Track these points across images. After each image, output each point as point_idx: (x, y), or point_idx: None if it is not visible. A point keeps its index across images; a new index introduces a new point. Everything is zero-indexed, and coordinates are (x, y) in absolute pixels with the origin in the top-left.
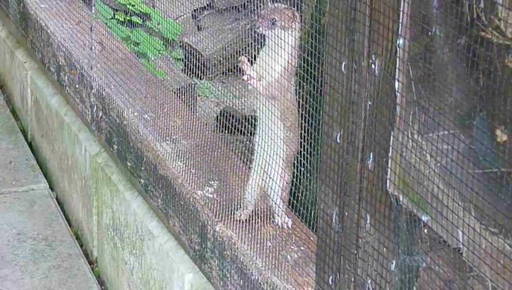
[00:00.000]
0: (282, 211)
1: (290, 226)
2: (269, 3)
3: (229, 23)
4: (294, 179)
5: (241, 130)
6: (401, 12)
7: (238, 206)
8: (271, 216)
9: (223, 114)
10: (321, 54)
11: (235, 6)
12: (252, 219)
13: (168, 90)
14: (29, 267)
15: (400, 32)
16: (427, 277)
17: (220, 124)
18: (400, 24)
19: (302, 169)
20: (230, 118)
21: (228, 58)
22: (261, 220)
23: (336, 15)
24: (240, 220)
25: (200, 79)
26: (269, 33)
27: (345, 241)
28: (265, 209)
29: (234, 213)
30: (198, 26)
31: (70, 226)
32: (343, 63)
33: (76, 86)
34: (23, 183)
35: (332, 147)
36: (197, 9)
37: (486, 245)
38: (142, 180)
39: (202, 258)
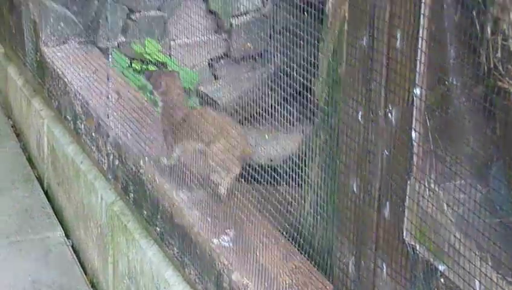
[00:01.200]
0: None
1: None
2: None
3: (245, 72)
4: (310, 227)
5: (257, 179)
6: (418, 62)
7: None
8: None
9: None
10: (338, 103)
11: (251, 56)
12: (268, 267)
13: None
14: None
15: (416, 82)
16: None
17: None
18: (417, 73)
19: (319, 217)
20: (247, 166)
21: (244, 107)
22: (277, 268)
23: (352, 64)
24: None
25: None
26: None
27: None
28: (281, 256)
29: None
30: (214, 75)
31: (86, 274)
32: (360, 112)
33: (93, 134)
34: (39, 231)
35: (348, 196)
36: (214, 59)
37: None
38: (158, 229)
39: None
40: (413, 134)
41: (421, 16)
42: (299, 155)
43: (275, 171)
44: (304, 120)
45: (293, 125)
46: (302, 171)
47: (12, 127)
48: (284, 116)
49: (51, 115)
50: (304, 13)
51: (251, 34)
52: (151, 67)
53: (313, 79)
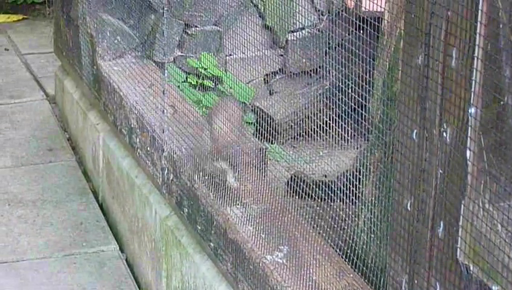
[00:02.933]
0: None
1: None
2: None
3: (300, 88)
4: (364, 245)
5: (311, 195)
6: (473, 81)
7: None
8: None
9: (294, 179)
10: (393, 121)
11: (307, 71)
12: (321, 284)
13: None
14: None
15: (471, 101)
16: None
17: (290, 189)
18: (472, 93)
19: (372, 235)
20: (301, 183)
21: (299, 123)
22: (330, 285)
23: (407, 83)
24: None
25: (271, 143)
26: None
27: None
28: (334, 273)
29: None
30: (269, 90)
31: (139, 289)
32: (415, 130)
33: (148, 148)
34: (93, 244)
35: (402, 214)
36: (269, 74)
37: None
38: (212, 244)
39: None
40: (468, 153)
41: (477, 35)
42: (353, 172)
43: (328, 188)
44: (358, 137)
45: (348, 142)
46: (356, 188)
47: (68, 140)
48: (338, 133)
49: (107, 129)
50: (359, 30)
51: (307, 50)
52: (207, 82)
53: (367, 96)
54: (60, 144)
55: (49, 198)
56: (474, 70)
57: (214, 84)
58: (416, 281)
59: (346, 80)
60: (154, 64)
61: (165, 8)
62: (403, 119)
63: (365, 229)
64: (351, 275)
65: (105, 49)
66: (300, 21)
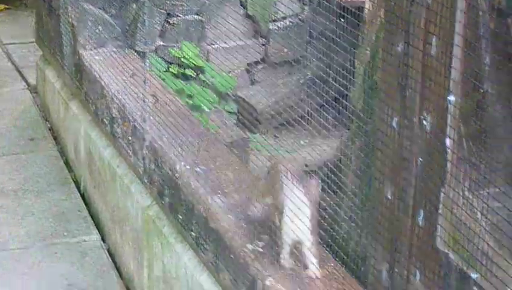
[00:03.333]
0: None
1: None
2: None
3: (282, 78)
4: (345, 234)
5: None
6: (453, 69)
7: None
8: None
9: None
10: (373, 110)
11: (288, 61)
12: (303, 273)
13: (221, 143)
14: None
15: (451, 89)
16: None
17: None
18: (452, 81)
19: (353, 224)
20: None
21: (281, 113)
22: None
23: (388, 71)
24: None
25: (253, 133)
26: None
27: None
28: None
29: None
30: (251, 80)
31: (121, 278)
32: (395, 119)
33: (129, 138)
34: (75, 234)
35: (383, 203)
36: (251, 64)
37: None
38: (193, 233)
39: None
40: (448, 141)
41: (456, 23)
42: (334, 161)
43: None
44: (339, 126)
45: (329, 131)
46: (337, 178)
47: (49, 130)
48: (320, 123)
49: (88, 119)
50: (341, 19)
51: (288, 39)
52: (189, 72)
53: (349, 85)
54: (42, 133)
55: (30, 188)
56: (454, 58)
57: (195, 73)
58: (396, 269)
59: (328, 70)
60: (135, 53)
61: None
62: (383, 107)
63: (346, 218)
64: (332, 264)
65: (86, 38)
66: (282, 10)
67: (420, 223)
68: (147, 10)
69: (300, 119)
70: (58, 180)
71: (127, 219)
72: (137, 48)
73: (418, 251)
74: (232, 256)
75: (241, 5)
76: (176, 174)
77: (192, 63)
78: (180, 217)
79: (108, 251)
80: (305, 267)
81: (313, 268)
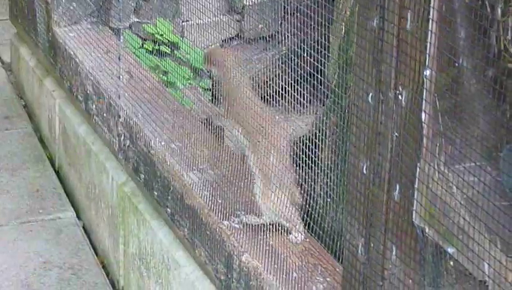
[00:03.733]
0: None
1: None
2: None
3: (257, 54)
4: (321, 210)
5: None
6: (428, 44)
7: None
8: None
9: None
10: (349, 85)
11: (263, 37)
12: (279, 249)
13: (196, 119)
14: None
15: (427, 64)
16: None
17: None
18: (427, 55)
19: (329, 200)
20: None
21: (256, 89)
22: (287, 249)
23: (363, 46)
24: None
25: None
26: None
27: (371, 272)
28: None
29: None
30: None
31: (96, 255)
32: (370, 94)
33: (104, 115)
34: (50, 211)
35: (358, 177)
36: (225, 40)
37: None
38: (169, 210)
39: (228, 289)
40: (423, 116)
41: None
42: (309, 137)
43: None
44: (315, 102)
45: (304, 107)
46: (312, 153)
47: (24, 107)
48: (295, 98)
49: (63, 96)
50: None
51: (263, 15)
52: (163, 48)
53: (324, 61)
54: (16, 111)
55: (5, 166)
56: (429, 33)
57: (170, 50)
58: (372, 244)
59: (303, 45)
60: (110, 30)
61: None
62: (359, 82)
63: (322, 193)
64: (308, 240)
65: (60, 15)
66: None
67: (396, 198)
68: None
69: (275, 94)
70: (33, 158)
71: (102, 195)
72: (111, 25)
73: (394, 226)
74: (208, 232)
75: None
76: (151, 151)
77: (167, 39)
78: (156, 193)
79: (84, 228)
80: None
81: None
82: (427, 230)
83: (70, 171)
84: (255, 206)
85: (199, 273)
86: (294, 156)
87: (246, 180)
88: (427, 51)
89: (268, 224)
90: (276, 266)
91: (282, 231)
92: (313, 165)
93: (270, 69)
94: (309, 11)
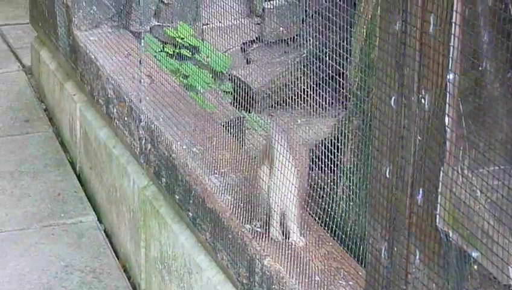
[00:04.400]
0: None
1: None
2: None
3: (277, 56)
4: (343, 213)
5: None
6: (451, 47)
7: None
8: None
9: None
10: (370, 89)
11: (284, 40)
12: (301, 253)
13: (217, 123)
14: None
15: (450, 67)
16: None
17: None
18: (450, 59)
19: (351, 203)
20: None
21: (277, 92)
22: (309, 253)
23: (385, 49)
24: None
25: (249, 112)
26: None
27: (394, 276)
28: (313, 242)
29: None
30: (247, 59)
31: (118, 259)
32: (393, 97)
33: (125, 118)
34: (71, 215)
35: (381, 181)
36: (246, 43)
37: None
38: (190, 214)
39: None
40: (446, 119)
41: (455, 0)
42: (331, 140)
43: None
44: (336, 105)
45: (326, 110)
46: (334, 157)
47: (45, 111)
48: (316, 101)
49: (84, 99)
50: None
51: (284, 18)
52: (184, 52)
53: (345, 64)
54: (37, 115)
55: (26, 169)
56: (452, 36)
57: (191, 53)
58: (395, 249)
59: (324, 48)
60: (130, 34)
61: None
62: (381, 86)
63: (344, 197)
64: (330, 244)
65: (81, 19)
66: None
67: (419, 201)
68: None
69: (296, 98)
70: (54, 162)
71: (123, 199)
72: (132, 28)
73: (417, 230)
74: (229, 236)
75: None
76: (173, 155)
77: (188, 43)
78: (177, 197)
79: (105, 231)
80: (288, 236)
81: (294, 237)
82: (450, 234)
83: (92, 175)
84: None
85: (221, 277)
86: (316, 159)
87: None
88: (450, 55)
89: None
90: (298, 269)
91: (305, 234)
92: (335, 169)
93: (291, 72)
94: (330, 14)
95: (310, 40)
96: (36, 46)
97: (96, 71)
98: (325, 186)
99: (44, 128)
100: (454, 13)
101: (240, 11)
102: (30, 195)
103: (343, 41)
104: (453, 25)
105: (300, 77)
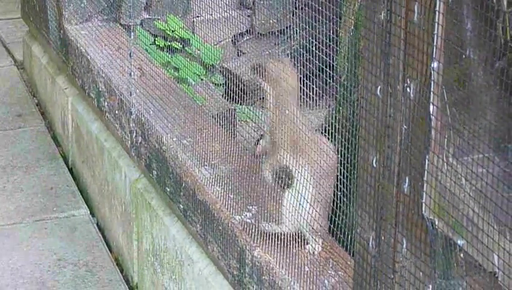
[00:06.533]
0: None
1: (317, 252)
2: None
3: (268, 49)
4: (332, 204)
5: None
6: (436, 36)
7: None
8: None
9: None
10: (358, 79)
11: (274, 32)
12: (290, 244)
13: (207, 115)
14: None
15: (434, 56)
16: None
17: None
18: (435, 47)
19: (339, 193)
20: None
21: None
22: (298, 244)
23: (371, 39)
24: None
25: (240, 104)
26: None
27: (382, 265)
28: (302, 234)
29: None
30: (237, 51)
31: (110, 252)
32: (379, 87)
33: (116, 112)
34: (64, 209)
35: (368, 171)
36: (237, 35)
37: None
38: (181, 206)
39: (241, 283)
40: (431, 108)
41: None
42: (320, 131)
43: None
44: (326, 97)
45: (315, 102)
46: None
47: (37, 105)
48: (305, 93)
49: (75, 93)
50: None
51: (274, 10)
52: (175, 44)
53: (334, 55)
54: (29, 109)
55: (18, 164)
56: (436, 25)
57: (181, 46)
58: (383, 238)
59: (313, 40)
60: (121, 27)
61: None
62: (367, 75)
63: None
64: (319, 234)
65: (71, 13)
66: None
67: (405, 190)
68: None
69: None
70: (47, 156)
71: (115, 192)
72: (122, 22)
73: (404, 219)
74: (220, 227)
75: None
76: (163, 147)
77: (178, 36)
78: (168, 189)
79: (98, 225)
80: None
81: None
82: (436, 222)
83: (84, 168)
84: (266, 202)
85: (212, 269)
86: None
87: (257, 175)
88: (434, 43)
89: (287, 234)
90: (288, 260)
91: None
92: None
93: None
94: (318, 6)
95: (299, 31)
96: (28, 40)
97: (87, 65)
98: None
99: (37, 123)
100: (438, 2)
101: (230, 4)
102: (22, 189)
103: (331, 33)
104: (437, 13)
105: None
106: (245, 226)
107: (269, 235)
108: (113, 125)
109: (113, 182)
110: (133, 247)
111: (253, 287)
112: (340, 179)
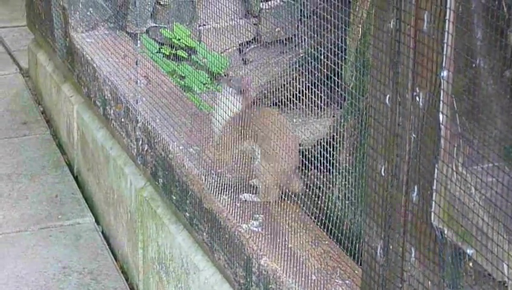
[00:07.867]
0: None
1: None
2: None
3: (274, 57)
4: (339, 212)
5: None
6: (445, 45)
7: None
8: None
9: None
10: (366, 87)
11: (281, 40)
12: (298, 252)
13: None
14: None
15: (444, 65)
16: None
17: None
18: (444, 56)
19: (347, 202)
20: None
21: (274, 92)
22: (306, 252)
23: (380, 48)
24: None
25: None
26: None
27: (390, 274)
28: (310, 241)
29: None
30: (244, 59)
31: (116, 260)
32: (388, 95)
33: (122, 120)
34: (69, 217)
35: (376, 180)
36: (243, 43)
37: None
38: (187, 214)
39: None
40: (441, 117)
41: None
42: (327, 140)
43: (303, 156)
44: (333, 105)
45: (322, 110)
46: (330, 156)
47: (42, 113)
48: (312, 101)
49: (81, 101)
50: None
51: (280, 18)
52: (181, 53)
53: (342, 63)
54: (34, 117)
55: (24, 171)
56: (446, 34)
57: (187, 54)
58: (391, 247)
59: (320, 48)
60: (127, 35)
61: None
62: (376, 84)
63: (340, 196)
64: (327, 242)
65: (77, 21)
66: None
67: (414, 199)
68: None
69: (293, 98)
70: (52, 164)
71: (121, 200)
72: (128, 30)
73: (412, 228)
74: (226, 236)
75: None
76: (170, 155)
77: (184, 44)
78: (174, 197)
79: (103, 233)
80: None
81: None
82: (445, 231)
83: (89, 176)
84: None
85: (218, 277)
86: (313, 159)
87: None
88: (444, 52)
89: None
90: (295, 268)
91: (301, 233)
92: (331, 168)
93: (287, 73)
94: (326, 14)
95: (306, 40)
96: (33, 48)
97: (93, 73)
98: (322, 186)
99: (42, 131)
100: (447, 10)
101: (236, 12)
102: (27, 197)
103: (339, 41)
104: (447, 22)
105: (297, 77)
106: (252, 235)
107: (276, 243)
108: (118, 133)
109: (119, 190)
110: (138, 255)
111: None
112: (348, 188)
